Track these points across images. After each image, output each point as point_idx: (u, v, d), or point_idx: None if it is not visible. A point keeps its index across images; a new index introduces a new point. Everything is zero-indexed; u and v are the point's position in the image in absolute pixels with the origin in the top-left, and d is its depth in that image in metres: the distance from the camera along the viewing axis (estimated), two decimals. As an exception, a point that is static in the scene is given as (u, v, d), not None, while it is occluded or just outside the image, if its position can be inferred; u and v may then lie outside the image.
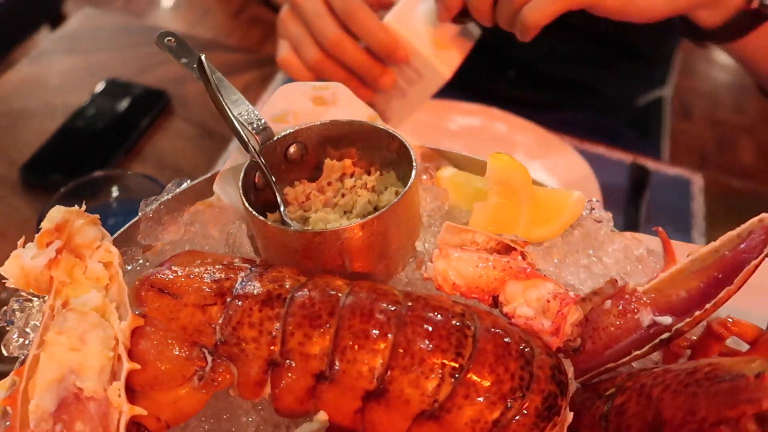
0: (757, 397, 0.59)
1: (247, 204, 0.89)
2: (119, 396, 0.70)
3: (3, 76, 1.97)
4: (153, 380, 0.74)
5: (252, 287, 0.78)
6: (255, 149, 0.94)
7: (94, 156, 1.70)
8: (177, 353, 0.75)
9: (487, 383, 0.71)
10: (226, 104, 0.93)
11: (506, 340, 0.74)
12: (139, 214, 0.97)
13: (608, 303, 0.82)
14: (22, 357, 0.81)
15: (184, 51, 1.01)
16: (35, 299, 0.85)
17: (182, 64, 1.00)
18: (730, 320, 0.78)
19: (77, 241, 0.80)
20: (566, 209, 0.95)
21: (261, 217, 0.88)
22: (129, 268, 0.92)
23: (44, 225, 0.79)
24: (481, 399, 0.71)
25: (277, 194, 0.94)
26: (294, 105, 1.04)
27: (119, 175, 1.47)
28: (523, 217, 0.94)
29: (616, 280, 0.83)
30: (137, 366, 0.73)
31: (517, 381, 0.71)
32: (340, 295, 0.76)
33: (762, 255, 0.72)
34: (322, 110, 1.04)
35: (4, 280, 0.77)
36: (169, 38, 1.01)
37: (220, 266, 0.81)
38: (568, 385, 0.74)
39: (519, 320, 0.80)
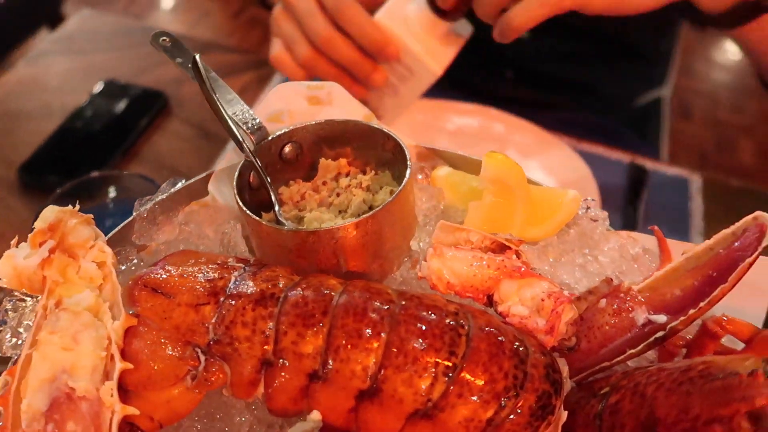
0: (751, 395, 0.58)
1: (241, 203, 0.89)
2: (111, 395, 0.70)
3: (0, 78, 1.97)
4: (146, 380, 0.74)
5: (245, 286, 0.77)
6: (249, 149, 0.93)
7: (92, 157, 1.69)
8: (170, 353, 0.75)
9: (480, 382, 0.71)
10: (221, 104, 0.93)
11: (500, 338, 0.74)
12: (134, 214, 0.96)
13: (603, 302, 0.82)
14: (15, 357, 0.81)
15: (179, 51, 1.01)
16: (28, 299, 0.85)
17: (177, 63, 1.00)
18: (725, 319, 0.78)
19: (70, 240, 0.80)
20: (562, 208, 0.95)
21: (255, 217, 0.88)
22: (123, 268, 0.92)
23: (37, 225, 0.79)
24: (474, 398, 0.70)
25: (271, 194, 0.93)
26: (289, 105, 1.04)
27: (116, 175, 1.46)
28: (518, 216, 0.94)
29: (611, 279, 0.83)
30: (130, 365, 0.72)
31: (510, 380, 0.71)
32: (333, 294, 0.76)
33: (756, 253, 0.72)
34: (317, 110, 1.04)
35: (-3, 281, 0.77)
36: (164, 38, 1.01)
37: (214, 266, 0.81)
38: (562, 384, 0.74)
39: (513, 319, 0.80)
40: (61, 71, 2.00)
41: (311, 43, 1.44)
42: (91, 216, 0.82)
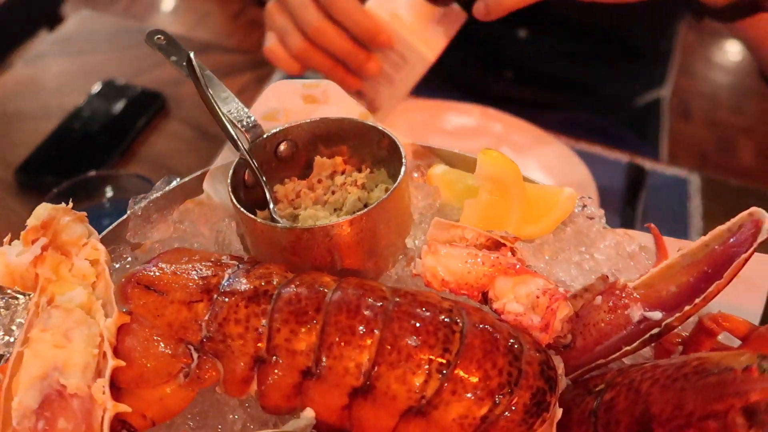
0: (745, 390, 0.58)
1: (235, 201, 0.88)
2: (103, 393, 0.70)
3: (-1, 78, 1.97)
4: (138, 377, 0.74)
5: (239, 284, 0.77)
6: (244, 147, 0.93)
7: (90, 157, 1.69)
8: (162, 350, 0.75)
9: (474, 379, 0.70)
10: (216, 102, 0.93)
11: (494, 335, 0.73)
12: (128, 212, 0.96)
13: (599, 299, 0.81)
14: (7, 355, 0.81)
15: (174, 49, 1.00)
16: (21, 296, 0.85)
17: (172, 62, 1.00)
18: (722, 316, 0.77)
19: (63, 238, 0.79)
20: (558, 206, 0.95)
21: (249, 215, 0.87)
22: (117, 266, 0.92)
23: (30, 222, 0.78)
24: (468, 395, 0.70)
25: (266, 191, 0.93)
26: (285, 103, 1.04)
27: (113, 175, 1.46)
28: (514, 213, 0.94)
29: (607, 277, 0.82)
30: (122, 363, 0.72)
31: (505, 377, 0.71)
32: (327, 291, 0.76)
33: (752, 248, 0.71)
34: (312, 108, 1.04)
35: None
36: (159, 36, 1.01)
37: (208, 263, 0.81)
38: (557, 381, 0.73)
39: (508, 316, 0.79)
40: (59, 72, 2.00)
41: (304, 35, 1.45)
42: (85, 213, 0.82)
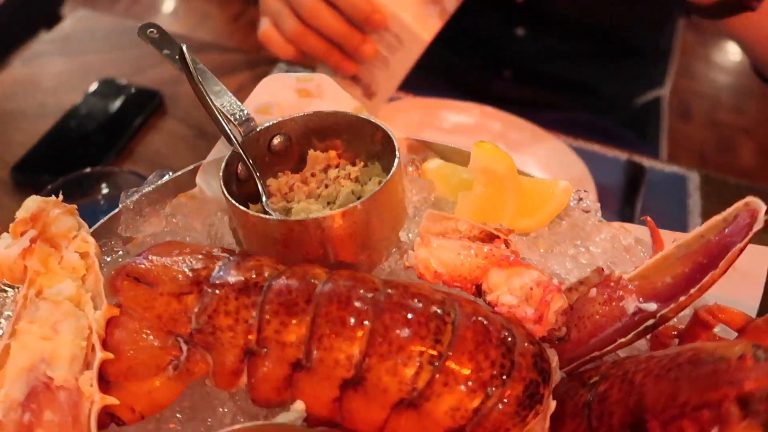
0: (739, 379, 0.57)
1: (227, 194, 0.88)
2: (91, 385, 0.69)
3: (-4, 78, 1.96)
4: (127, 370, 0.73)
5: (229, 276, 0.76)
6: (237, 140, 0.92)
7: (86, 156, 1.68)
8: (152, 343, 0.74)
9: (466, 371, 0.69)
10: (208, 95, 0.92)
11: (487, 327, 0.72)
12: (120, 206, 0.95)
13: (593, 291, 0.80)
14: (-5, 347, 0.80)
15: (167, 42, 1.00)
16: (9, 289, 0.84)
17: (164, 55, 0.99)
18: (718, 308, 0.77)
19: (53, 230, 0.79)
20: (553, 198, 0.94)
21: (241, 207, 0.87)
22: (108, 259, 0.91)
23: (19, 214, 0.78)
24: (460, 387, 0.69)
25: (259, 185, 0.92)
26: (278, 97, 1.03)
27: (108, 172, 1.46)
28: (509, 206, 0.93)
29: (602, 269, 0.82)
30: (111, 355, 0.71)
31: (497, 369, 0.70)
32: (317, 282, 0.75)
33: (747, 238, 0.70)
34: (306, 102, 1.04)
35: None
36: (151, 29, 1.00)
37: (198, 256, 0.80)
38: (550, 373, 0.72)
39: (502, 308, 0.78)
40: (56, 71, 1.99)
41: (298, 17, 1.43)
42: (75, 206, 0.81)
